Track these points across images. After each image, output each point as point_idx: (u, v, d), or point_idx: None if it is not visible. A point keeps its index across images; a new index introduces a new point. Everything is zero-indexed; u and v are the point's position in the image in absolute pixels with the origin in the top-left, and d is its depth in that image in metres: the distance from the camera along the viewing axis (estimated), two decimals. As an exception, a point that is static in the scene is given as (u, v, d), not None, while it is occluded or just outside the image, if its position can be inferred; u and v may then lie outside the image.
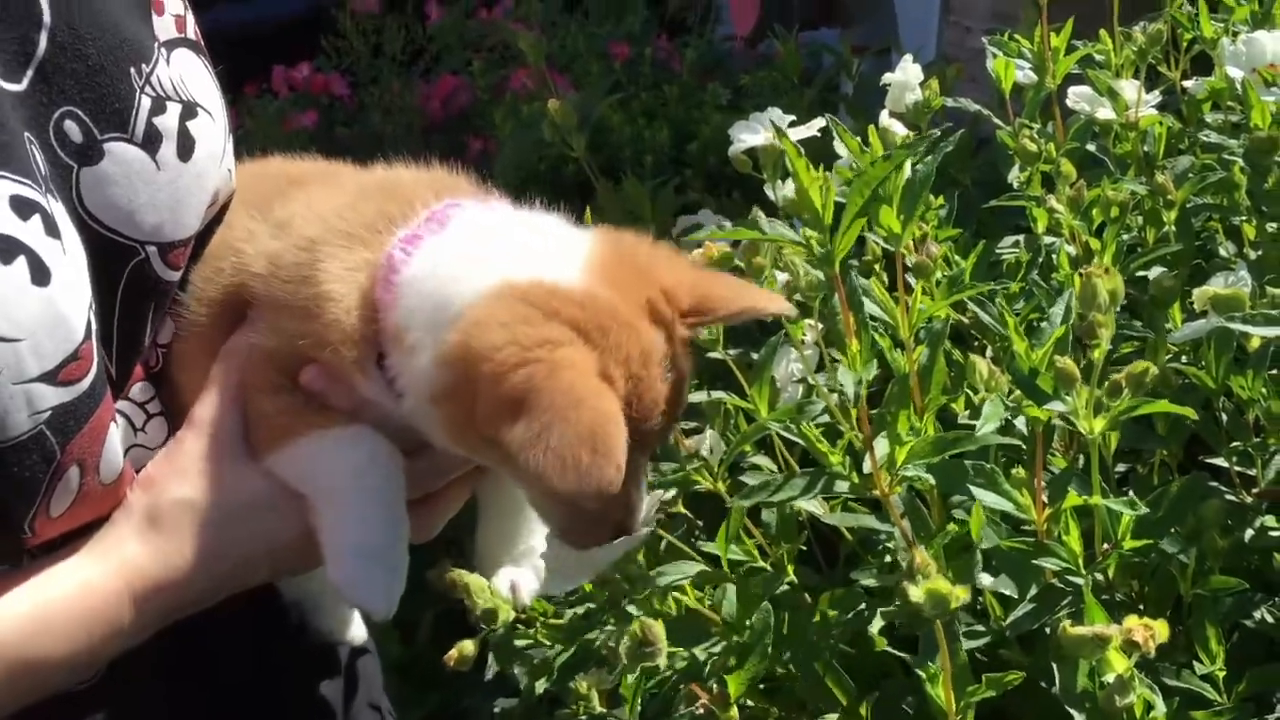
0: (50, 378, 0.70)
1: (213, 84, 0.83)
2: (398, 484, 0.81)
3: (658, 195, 1.97)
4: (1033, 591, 0.96)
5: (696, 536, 1.18)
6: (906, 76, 1.41)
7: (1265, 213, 1.25)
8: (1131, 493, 1.04)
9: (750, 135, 1.28)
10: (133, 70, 0.76)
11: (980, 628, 1.03)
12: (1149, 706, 0.83)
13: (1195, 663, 0.97)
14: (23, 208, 0.70)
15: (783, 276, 1.10)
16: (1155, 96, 1.39)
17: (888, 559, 1.12)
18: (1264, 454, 1.08)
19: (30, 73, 0.73)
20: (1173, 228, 1.28)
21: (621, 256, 0.81)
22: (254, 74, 3.56)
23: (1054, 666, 0.89)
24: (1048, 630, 0.96)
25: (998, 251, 1.35)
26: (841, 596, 1.08)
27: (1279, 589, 1.03)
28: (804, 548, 1.17)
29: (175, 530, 0.78)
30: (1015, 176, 1.42)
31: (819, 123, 1.23)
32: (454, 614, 0.95)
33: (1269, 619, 1.01)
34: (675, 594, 1.06)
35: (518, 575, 0.94)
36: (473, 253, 0.79)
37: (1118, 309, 0.91)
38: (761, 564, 1.12)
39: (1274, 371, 1.10)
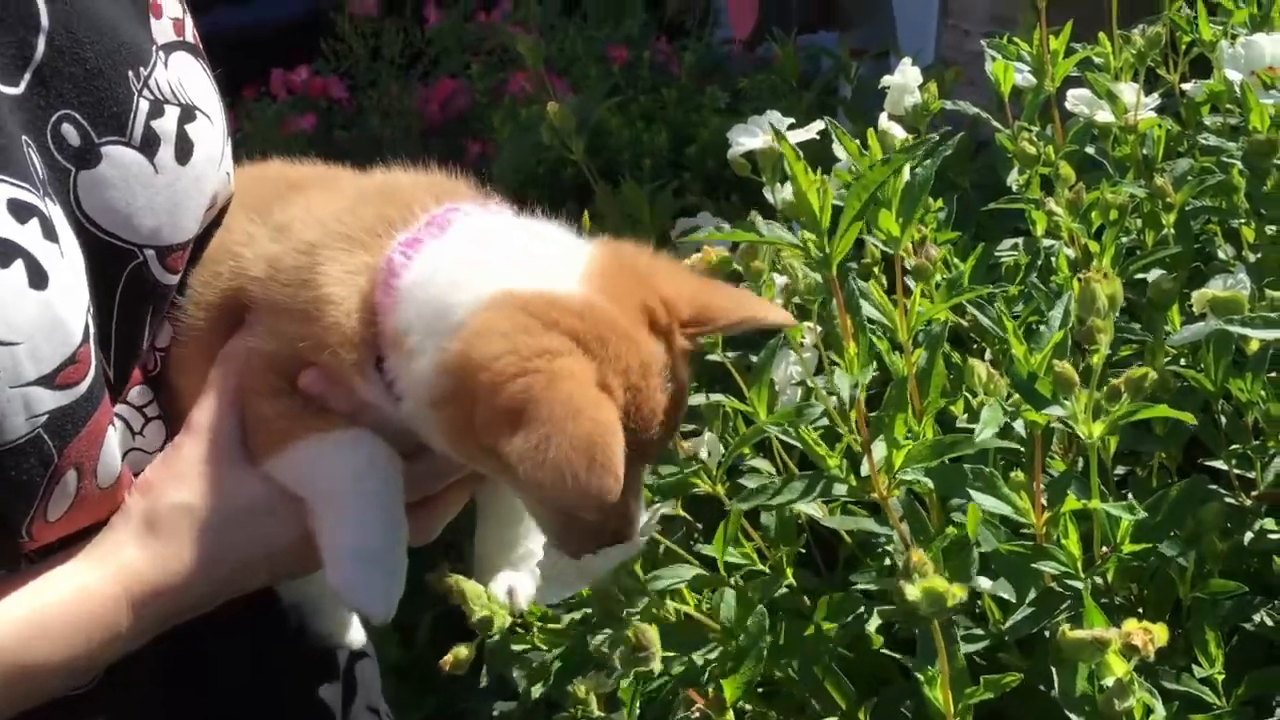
0: (48, 381, 0.70)
1: (211, 87, 0.83)
2: (396, 487, 0.81)
3: (656, 198, 1.97)
4: (1032, 595, 0.96)
5: (695, 539, 1.18)
6: (905, 79, 1.41)
7: (1264, 215, 1.25)
8: (1131, 495, 1.04)
9: (749, 138, 1.28)
10: (130, 74, 0.76)
11: (979, 631, 1.03)
12: (1148, 710, 0.83)
13: (1195, 666, 0.97)
14: (20, 211, 0.69)
15: (781, 279, 1.10)
16: (1154, 99, 1.39)
17: (887, 562, 1.12)
18: (1263, 457, 1.08)
19: (28, 76, 0.73)
20: (1172, 230, 1.28)
21: (621, 266, 0.80)
22: (253, 77, 3.56)
23: (1053, 670, 0.89)
24: (1047, 634, 0.96)
25: (997, 254, 1.35)
26: (840, 600, 1.07)
27: (1278, 592, 1.03)
28: (803, 551, 1.16)
29: (173, 535, 0.78)
30: (1014, 179, 1.42)
31: (818, 126, 1.23)
32: (453, 616, 0.95)
33: (1268, 622, 1.01)
34: (673, 599, 1.06)
35: (516, 580, 0.94)
36: (474, 260, 0.79)
37: (1117, 313, 0.91)
38: (760, 567, 1.12)
39: (1273, 374, 1.10)
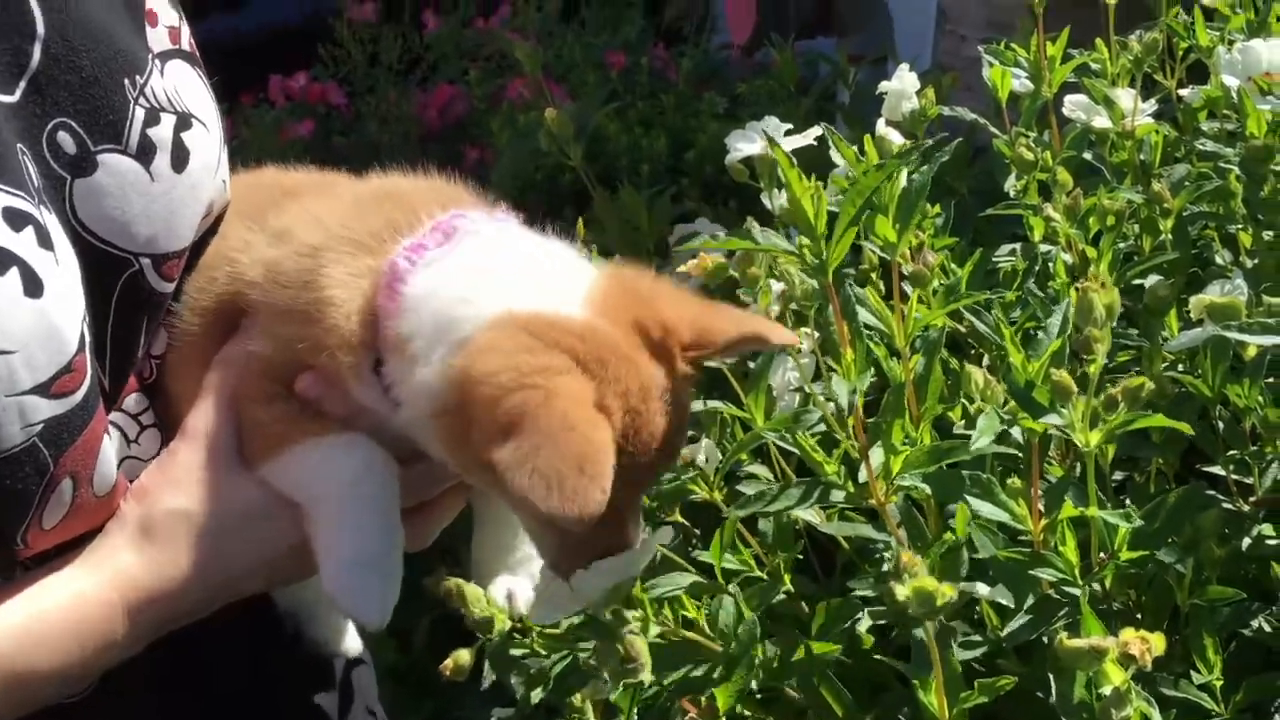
0: (43, 390, 0.70)
1: (207, 95, 0.83)
2: (392, 492, 0.81)
3: (654, 204, 1.97)
4: (1029, 602, 0.96)
5: (692, 546, 1.18)
6: (903, 85, 1.41)
7: (1261, 221, 1.25)
8: (1129, 501, 1.04)
9: (746, 144, 1.28)
10: (126, 81, 0.76)
11: (977, 638, 1.03)
12: (1145, 718, 0.82)
13: (1193, 672, 0.97)
14: (15, 219, 0.69)
15: (778, 286, 1.10)
16: (1151, 105, 1.39)
17: (885, 568, 1.11)
18: (1261, 462, 1.08)
19: (23, 84, 0.73)
20: (1169, 236, 1.28)
21: (624, 290, 0.81)
22: (251, 83, 3.56)
23: (1051, 677, 0.88)
24: (1045, 640, 0.96)
25: (994, 260, 1.35)
26: (838, 606, 1.07)
27: (1276, 598, 1.03)
28: (800, 557, 1.16)
29: (169, 541, 0.78)
30: (1011, 185, 1.42)
31: (815, 131, 1.23)
32: (450, 621, 0.95)
33: (1266, 628, 1.01)
34: (671, 607, 1.06)
35: (514, 584, 0.94)
36: (482, 275, 0.79)
37: (1114, 322, 0.91)
38: (758, 573, 1.12)
39: (1270, 380, 1.10)
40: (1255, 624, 1.01)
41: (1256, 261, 1.24)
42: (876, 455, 1.01)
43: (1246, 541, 1.05)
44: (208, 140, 0.81)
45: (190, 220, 0.80)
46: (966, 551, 1.01)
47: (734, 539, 1.10)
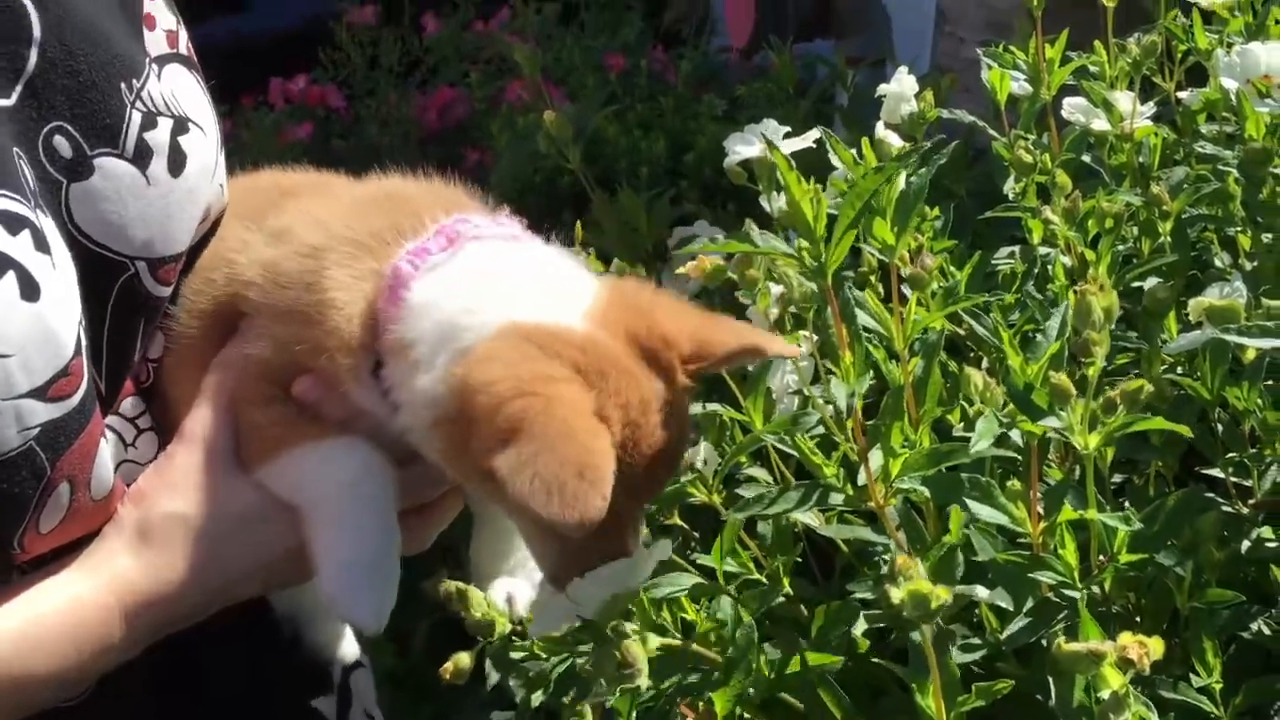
0: (40, 394, 0.70)
1: (205, 99, 0.83)
2: (390, 496, 0.81)
3: (653, 206, 1.97)
4: (1029, 605, 0.96)
5: (692, 549, 1.18)
6: (901, 87, 1.41)
7: (1260, 223, 1.25)
8: (1128, 504, 1.04)
9: (745, 147, 1.28)
10: (123, 85, 0.76)
11: (976, 640, 1.03)
12: (1144, 720, 0.82)
13: (1192, 675, 0.97)
14: (12, 223, 0.69)
15: (777, 289, 1.10)
16: (1150, 108, 1.39)
17: (883, 571, 1.11)
18: (1260, 465, 1.08)
19: (19, 88, 0.73)
20: (1168, 239, 1.28)
21: (624, 304, 0.81)
22: (250, 86, 3.57)
23: (1050, 680, 0.88)
24: (1044, 643, 0.96)
25: (993, 263, 1.34)
26: (837, 609, 1.07)
27: (1276, 601, 1.03)
28: (800, 560, 1.16)
29: (166, 544, 0.78)
30: (1010, 188, 1.42)
31: (814, 134, 1.22)
32: (450, 624, 0.95)
33: (1266, 631, 1.01)
34: (671, 609, 1.06)
35: (513, 586, 0.94)
36: (485, 284, 0.79)
37: (1113, 325, 0.91)
38: (757, 576, 1.12)
39: (1269, 382, 1.10)
40: (1255, 627, 1.01)
41: (1255, 264, 1.24)
42: (875, 458, 1.01)
43: (1246, 544, 1.04)
44: (205, 144, 0.81)
45: (187, 224, 0.80)
46: (963, 554, 1.00)
47: (734, 543, 1.10)
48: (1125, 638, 0.74)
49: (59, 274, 0.71)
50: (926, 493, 1.01)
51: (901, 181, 1.02)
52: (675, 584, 1.05)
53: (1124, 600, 1.03)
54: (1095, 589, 0.98)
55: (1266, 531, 1.05)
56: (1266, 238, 1.24)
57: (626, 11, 3.62)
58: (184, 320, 0.83)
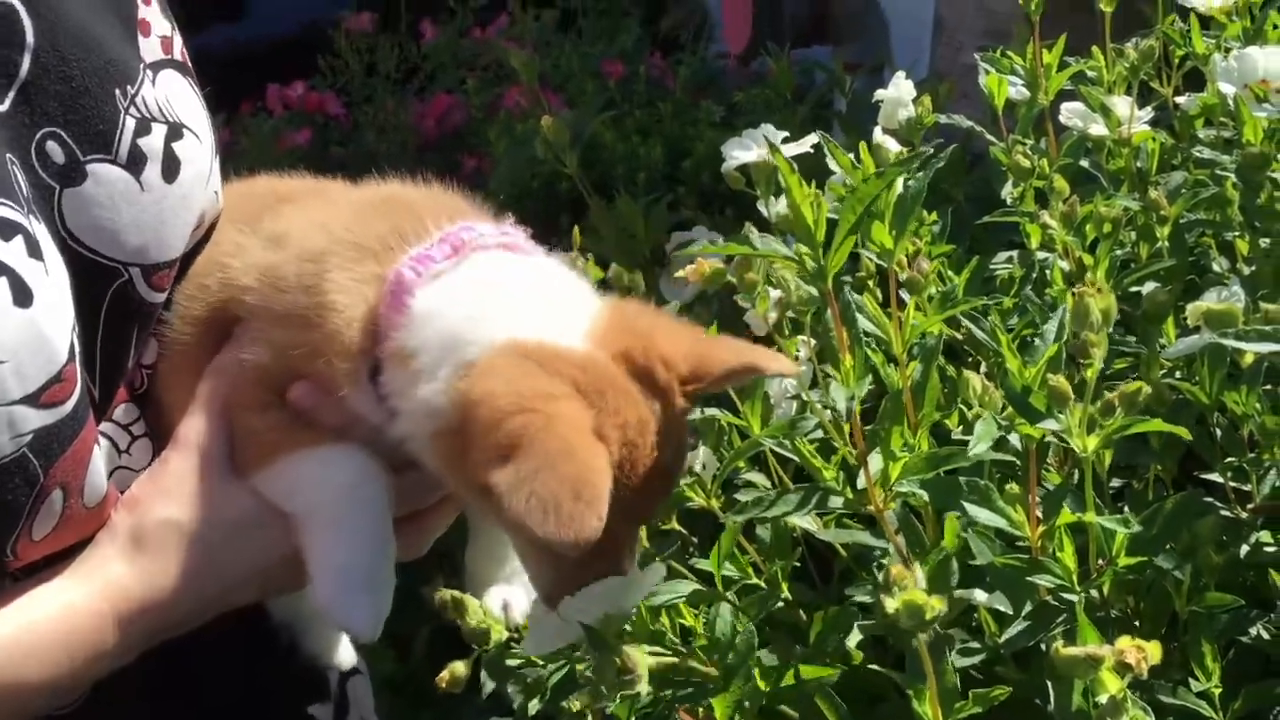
0: (32, 400, 0.70)
1: (199, 105, 0.83)
2: (385, 503, 0.81)
3: (651, 212, 1.97)
4: (1027, 608, 0.96)
5: (690, 554, 1.17)
6: (899, 93, 1.41)
7: (1258, 228, 1.25)
8: (1126, 508, 1.04)
9: (743, 152, 1.28)
10: (117, 91, 0.76)
11: (975, 645, 1.03)
12: (1143, 725, 0.82)
13: (1191, 680, 0.97)
14: (4, 229, 0.69)
15: (775, 293, 1.10)
16: (1148, 112, 1.39)
17: (882, 577, 1.11)
18: (1259, 469, 1.08)
19: (12, 94, 0.73)
20: (1166, 243, 1.28)
21: (624, 324, 0.81)
22: (249, 92, 3.57)
23: (1049, 684, 0.88)
24: (1043, 648, 0.95)
25: (991, 267, 1.35)
26: (835, 614, 1.07)
27: (1275, 605, 1.03)
28: (798, 565, 1.16)
29: (160, 551, 0.77)
30: (1008, 192, 1.42)
31: (812, 139, 1.22)
32: (449, 630, 0.95)
33: (1265, 635, 1.01)
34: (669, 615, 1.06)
35: (509, 594, 0.93)
36: (489, 297, 0.79)
37: (1110, 327, 0.91)
38: (756, 581, 1.11)
39: (1268, 387, 1.10)
40: (1254, 631, 1.01)
41: (1254, 268, 1.24)
42: (875, 461, 1.00)
43: (1245, 549, 1.04)
44: (199, 150, 0.81)
45: (181, 230, 0.80)
46: (961, 558, 1.00)
47: (732, 548, 1.10)
48: (1123, 642, 0.74)
49: (52, 280, 0.71)
50: (925, 496, 1.01)
51: (899, 185, 1.01)
52: (673, 590, 1.05)
53: (1123, 604, 1.03)
54: (1094, 593, 0.97)
55: (1265, 536, 1.05)
56: (1264, 242, 1.24)
57: (624, 18, 3.62)
58: (178, 326, 0.83)
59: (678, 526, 1.15)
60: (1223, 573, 1.01)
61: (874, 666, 1.07)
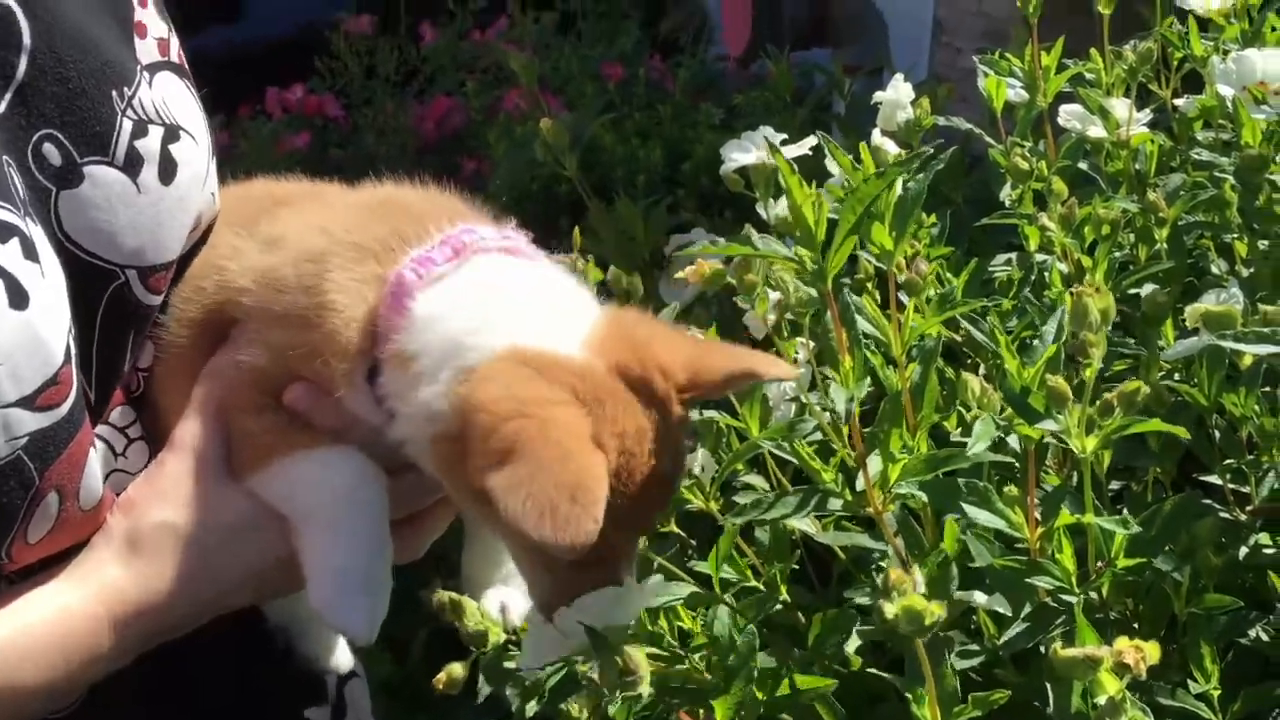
0: (28, 403, 0.70)
1: (196, 107, 0.83)
2: (381, 506, 0.81)
3: (650, 214, 1.97)
4: (1026, 610, 0.95)
5: (688, 557, 1.17)
6: (898, 95, 1.41)
7: (1256, 230, 1.25)
8: (1126, 511, 1.03)
9: (741, 154, 1.28)
10: (114, 93, 0.76)
11: (974, 647, 1.02)
12: (1142, 727, 0.82)
13: (1190, 682, 0.97)
14: (0, 231, 0.69)
15: (774, 295, 1.09)
16: (1146, 114, 1.39)
17: (880, 580, 1.11)
18: (1257, 471, 1.08)
19: (9, 95, 0.73)
20: (1164, 245, 1.28)
21: (622, 333, 0.81)
22: (248, 95, 3.57)
23: (1048, 687, 0.88)
24: (1042, 649, 0.95)
25: (990, 269, 1.35)
26: (834, 617, 1.07)
27: (1274, 607, 1.02)
28: (797, 567, 1.16)
29: (156, 554, 0.77)
30: (1007, 194, 1.42)
31: (810, 141, 1.22)
32: (447, 633, 0.94)
33: (1264, 637, 1.01)
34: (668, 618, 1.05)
35: (507, 596, 0.93)
36: (490, 302, 0.79)
37: (1109, 327, 0.91)
38: (754, 584, 1.11)
39: (1267, 389, 1.10)
40: (1253, 633, 1.01)
41: (1252, 270, 1.24)
42: (874, 463, 1.00)
43: (1244, 551, 1.04)
44: (196, 152, 0.81)
45: (178, 233, 0.80)
46: (957, 566, 1.00)
47: (731, 550, 1.09)
48: (1121, 642, 0.73)
49: (48, 282, 0.71)
50: (924, 498, 1.01)
51: (899, 187, 1.01)
52: (671, 593, 1.05)
53: (1122, 606, 1.03)
54: (1093, 594, 0.97)
55: (1264, 538, 1.05)
56: (1263, 244, 1.24)
57: (624, 20, 3.63)
58: (173, 329, 0.83)
59: (676, 529, 1.15)
60: (1222, 574, 1.01)
61: (872, 670, 1.06)
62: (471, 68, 3.55)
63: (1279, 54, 1.29)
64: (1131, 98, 1.37)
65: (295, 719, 0.97)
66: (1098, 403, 0.89)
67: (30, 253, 0.70)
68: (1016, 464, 1.04)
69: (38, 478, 0.71)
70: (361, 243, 0.81)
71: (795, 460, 1.05)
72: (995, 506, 0.96)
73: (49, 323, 0.70)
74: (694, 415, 1.13)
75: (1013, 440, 1.03)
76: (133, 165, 0.76)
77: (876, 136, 1.33)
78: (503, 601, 0.93)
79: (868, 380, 1.00)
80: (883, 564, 1.11)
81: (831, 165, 1.14)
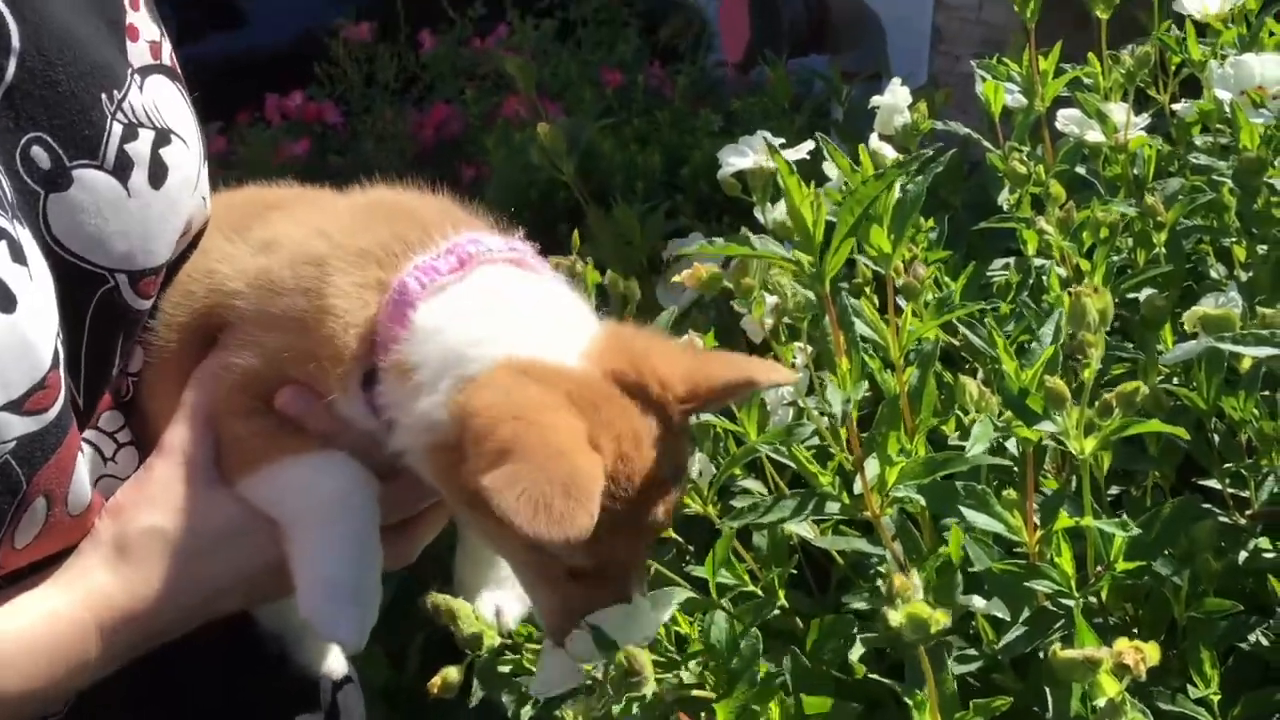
0: (16, 407, 0.69)
1: (188, 111, 0.82)
2: (372, 512, 0.80)
3: (647, 220, 1.97)
4: (1025, 614, 0.95)
5: (686, 561, 1.17)
6: (895, 99, 1.41)
7: (1255, 234, 1.24)
8: (1125, 515, 1.03)
9: (739, 158, 1.28)
10: (104, 96, 0.75)
11: (973, 652, 1.02)
12: (1142, 731, 0.81)
13: (1190, 686, 0.96)
14: None
15: (772, 299, 1.09)
16: (1144, 119, 1.39)
17: (879, 583, 1.10)
18: (1257, 475, 1.07)
19: None
20: (1163, 249, 1.27)
21: (620, 345, 0.81)
22: (246, 101, 3.57)
23: (1047, 691, 0.87)
24: (1041, 654, 0.95)
25: (988, 274, 1.34)
26: (833, 622, 1.06)
27: (1274, 612, 1.02)
28: (795, 572, 1.15)
29: (144, 559, 0.76)
30: (1005, 199, 1.42)
31: (809, 145, 1.22)
32: (445, 639, 0.94)
33: (1264, 642, 1.00)
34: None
35: (501, 599, 0.93)
36: (493, 315, 0.79)
37: (1107, 329, 0.90)
38: (752, 589, 1.11)
39: (1266, 392, 1.10)
40: (1253, 638, 1.00)
41: (1251, 274, 1.23)
42: (872, 467, 1.00)
43: (1243, 555, 1.04)
44: (187, 156, 0.80)
45: (168, 237, 0.79)
46: (960, 573, 1.00)
47: (728, 554, 1.09)
48: (1121, 643, 0.73)
49: (36, 285, 0.70)
50: (922, 502, 1.00)
51: (897, 190, 1.01)
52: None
53: (1121, 610, 1.03)
54: (1092, 598, 0.97)
55: (1264, 542, 1.04)
56: (1261, 248, 1.24)
57: (623, 28, 3.63)
58: (163, 334, 0.82)
59: (673, 533, 1.15)
60: (1221, 579, 1.00)
61: (873, 675, 1.06)
62: (471, 75, 3.55)
63: (1276, 58, 1.30)
64: (1129, 102, 1.37)
65: (289, 725, 0.96)
66: (1096, 404, 0.89)
67: (18, 256, 0.70)
68: (1015, 468, 1.04)
69: (25, 482, 0.71)
70: (364, 247, 0.80)
71: (793, 464, 1.05)
72: (994, 510, 0.95)
73: (37, 326, 0.70)
74: (691, 420, 1.12)
75: (1011, 444, 1.02)
76: (122, 169, 0.76)
77: (874, 141, 1.33)
78: (497, 605, 0.92)
79: (865, 383, 1.00)
80: (881, 569, 1.10)
81: (830, 169, 1.14)
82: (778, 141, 1.23)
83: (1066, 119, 1.42)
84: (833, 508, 1.01)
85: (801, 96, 2.65)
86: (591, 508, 0.70)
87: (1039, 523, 0.96)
